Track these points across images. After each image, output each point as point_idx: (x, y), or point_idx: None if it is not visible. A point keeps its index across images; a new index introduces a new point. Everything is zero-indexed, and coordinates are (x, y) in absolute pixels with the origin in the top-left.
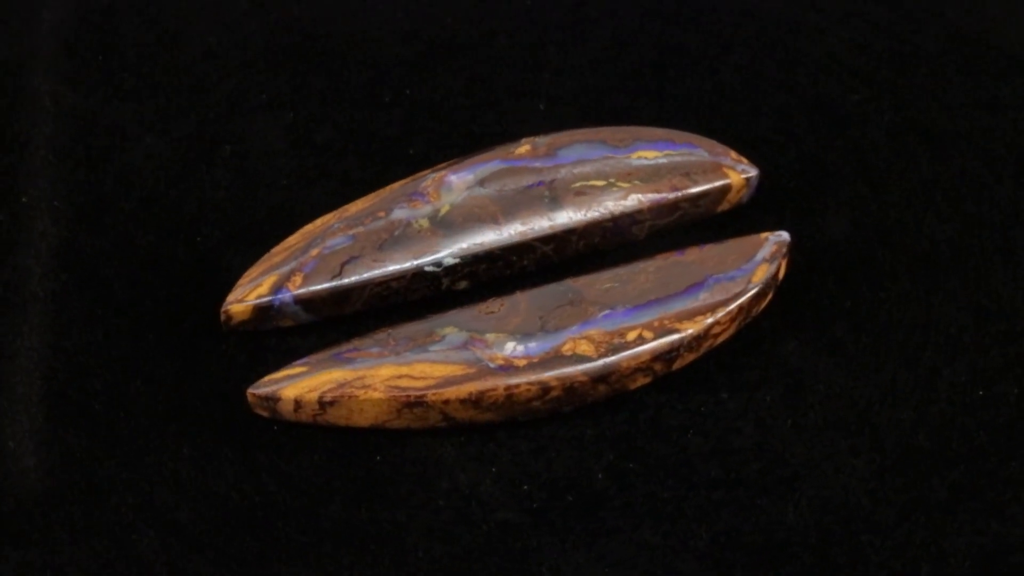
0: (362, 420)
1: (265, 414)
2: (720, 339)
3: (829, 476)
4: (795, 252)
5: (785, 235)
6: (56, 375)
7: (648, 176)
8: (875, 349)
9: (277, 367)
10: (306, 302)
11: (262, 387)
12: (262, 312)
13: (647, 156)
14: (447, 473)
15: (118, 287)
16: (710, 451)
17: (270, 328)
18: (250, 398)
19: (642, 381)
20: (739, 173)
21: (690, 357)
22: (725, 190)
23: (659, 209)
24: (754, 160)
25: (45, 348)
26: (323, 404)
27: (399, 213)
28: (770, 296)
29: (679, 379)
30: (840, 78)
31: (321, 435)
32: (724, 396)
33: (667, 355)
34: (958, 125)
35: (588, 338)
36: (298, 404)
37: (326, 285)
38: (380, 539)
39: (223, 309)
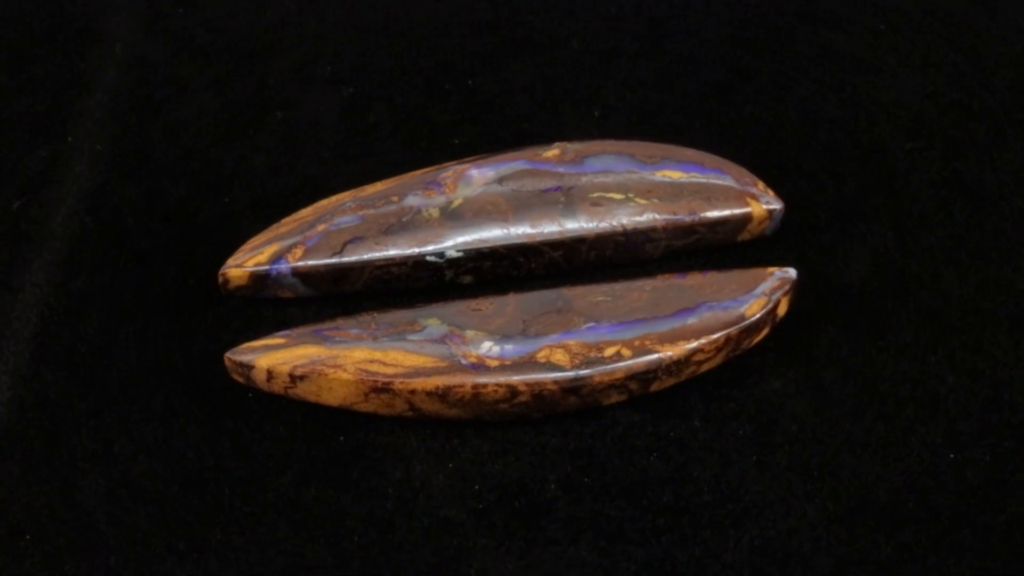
0: (331, 399)
1: (241, 380)
2: (704, 367)
3: (778, 518)
4: (808, 291)
5: (792, 272)
6: (53, 314)
7: (668, 195)
8: (858, 398)
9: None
10: (304, 275)
11: (239, 353)
12: (259, 280)
13: (672, 175)
14: (404, 463)
15: (135, 237)
16: (667, 476)
17: (269, 297)
18: (227, 362)
19: (616, 398)
20: (762, 205)
21: (670, 381)
22: (745, 220)
23: (674, 230)
24: (792, 194)
25: (50, 286)
26: (294, 378)
27: (412, 200)
28: (766, 331)
29: (656, 401)
30: (899, 124)
31: (292, 408)
32: (696, 424)
33: (643, 375)
34: (1003, 187)
35: (565, 348)
36: (270, 374)
37: (325, 261)
38: (320, 519)
39: (221, 272)
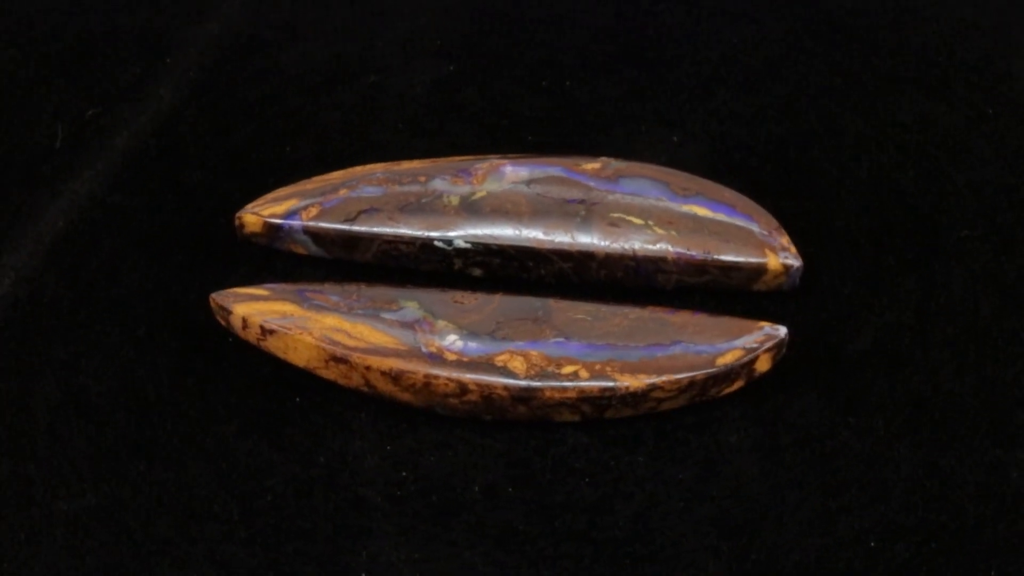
0: (297, 359)
1: (223, 323)
2: (664, 406)
3: (679, 567)
4: (804, 354)
5: (782, 331)
6: (79, 224)
7: (687, 230)
8: (805, 468)
9: None
10: (314, 235)
11: (223, 297)
12: (273, 230)
13: (698, 211)
14: (345, 436)
15: (188, 168)
16: (589, 504)
17: (283, 249)
18: (211, 303)
19: (569, 417)
20: (779, 259)
21: (626, 411)
22: (760, 270)
23: (685, 265)
24: (831, 255)
25: (88, 198)
26: (265, 331)
27: (438, 184)
28: (740, 383)
29: (609, 428)
30: (964, 208)
31: (262, 360)
32: (640, 459)
33: (597, 400)
34: None
35: (526, 356)
36: (245, 323)
37: (335, 225)
38: (244, 471)
39: (237, 215)
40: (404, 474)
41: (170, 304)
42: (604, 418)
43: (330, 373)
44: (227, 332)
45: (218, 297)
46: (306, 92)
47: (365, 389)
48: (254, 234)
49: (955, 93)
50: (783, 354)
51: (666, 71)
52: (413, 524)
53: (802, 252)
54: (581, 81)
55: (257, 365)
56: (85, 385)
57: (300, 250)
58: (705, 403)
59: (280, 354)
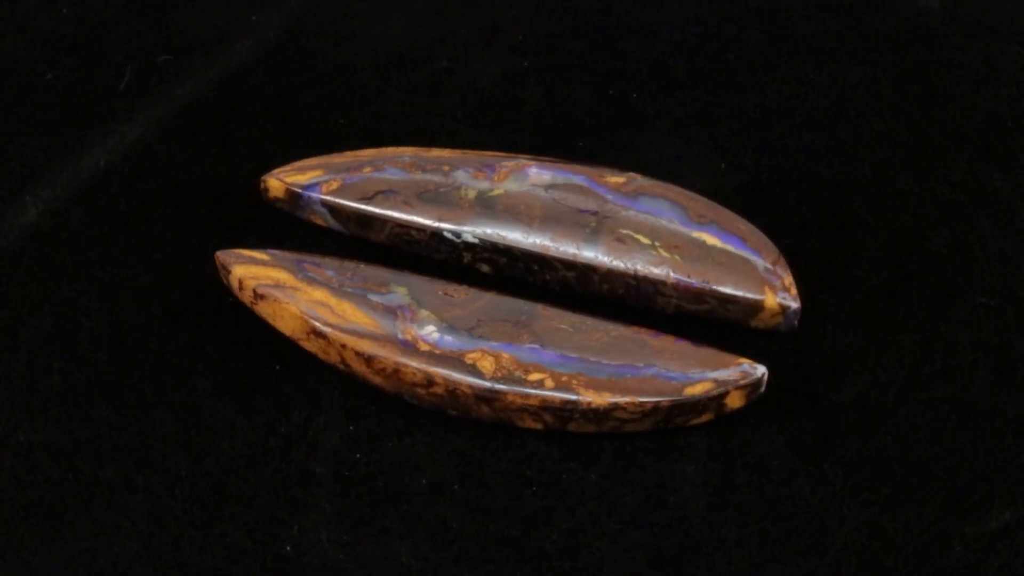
0: (283, 326)
1: (224, 282)
2: (628, 427)
3: None
4: (787, 397)
5: (759, 370)
6: (120, 167)
7: (691, 257)
8: (751, 510)
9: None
10: (331, 209)
11: (227, 255)
12: (294, 197)
13: (707, 240)
14: (312, 410)
15: (240, 125)
16: (529, 513)
17: (305, 219)
18: (216, 260)
19: (531, 424)
20: (777, 298)
21: (589, 427)
22: (756, 307)
23: (684, 291)
24: (843, 306)
25: (136, 142)
26: (256, 295)
27: (459, 175)
28: (708, 416)
29: (570, 441)
30: (990, 275)
31: (256, 323)
32: (592, 476)
33: (558, 411)
34: None
35: (496, 357)
36: (241, 284)
37: (351, 203)
38: (203, 430)
39: (263, 177)
40: (358, 456)
41: (182, 257)
42: (567, 430)
43: (311, 346)
44: (228, 291)
45: (222, 255)
46: (376, 68)
47: (341, 367)
48: (277, 199)
49: (1014, 160)
50: (760, 393)
51: (732, 97)
52: (350, 506)
53: (815, 296)
54: (647, 94)
55: (248, 328)
56: (78, 323)
57: (320, 221)
58: (670, 431)
59: (269, 320)
